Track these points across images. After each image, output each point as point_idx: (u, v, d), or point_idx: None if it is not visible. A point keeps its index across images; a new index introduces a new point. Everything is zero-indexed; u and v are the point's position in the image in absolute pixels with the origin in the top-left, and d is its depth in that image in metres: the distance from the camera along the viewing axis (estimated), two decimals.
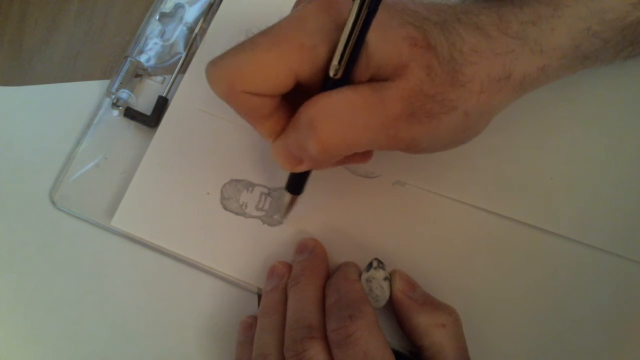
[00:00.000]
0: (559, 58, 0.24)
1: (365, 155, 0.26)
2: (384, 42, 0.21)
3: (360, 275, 0.27)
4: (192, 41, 0.34)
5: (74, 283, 0.32)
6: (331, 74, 0.21)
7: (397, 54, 0.21)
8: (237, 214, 0.31)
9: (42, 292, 0.32)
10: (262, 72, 0.21)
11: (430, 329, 0.25)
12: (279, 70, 0.21)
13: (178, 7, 0.35)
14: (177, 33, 0.35)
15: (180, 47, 0.34)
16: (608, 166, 0.30)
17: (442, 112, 0.22)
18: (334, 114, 0.21)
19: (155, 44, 0.35)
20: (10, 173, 0.33)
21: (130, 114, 0.33)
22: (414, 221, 0.30)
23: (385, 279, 0.27)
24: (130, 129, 0.33)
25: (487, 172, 0.30)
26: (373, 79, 0.22)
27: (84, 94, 0.34)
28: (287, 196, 0.28)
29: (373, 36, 0.20)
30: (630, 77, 0.30)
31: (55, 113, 0.34)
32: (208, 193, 0.31)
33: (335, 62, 0.20)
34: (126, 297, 0.31)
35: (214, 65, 0.22)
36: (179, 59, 0.34)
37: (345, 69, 0.21)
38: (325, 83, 0.21)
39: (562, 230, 0.29)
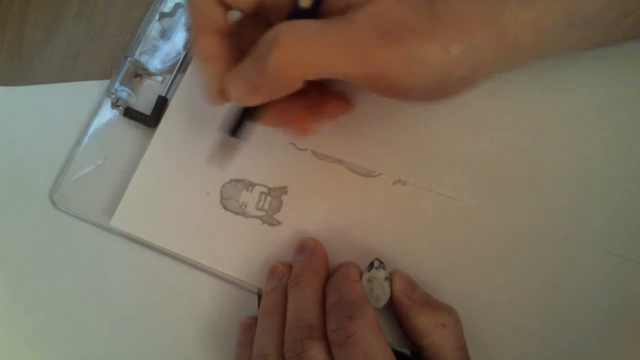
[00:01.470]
0: (551, 13, 0.22)
1: (309, 121, 0.26)
2: None
3: (361, 275, 0.27)
4: None
5: (74, 283, 0.32)
6: (301, 4, 0.20)
7: None
8: (237, 213, 0.31)
9: (42, 292, 0.32)
10: None
11: (430, 329, 0.25)
12: None
13: (178, 7, 0.35)
14: (177, 33, 0.35)
15: (180, 47, 0.34)
16: (609, 166, 0.30)
17: (416, 40, 0.21)
18: (300, 30, 0.20)
19: (155, 44, 0.35)
20: (10, 173, 0.33)
21: (130, 113, 0.33)
22: (415, 220, 0.30)
23: (386, 279, 0.27)
24: (130, 128, 0.33)
25: (487, 172, 0.30)
26: (344, 12, 0.21)
27: (84, 94, 0.34)
28: (232, 140, 0.26)
29: None
30: (633, 76, 0.30)
31: (55, 113, 0.34)
32: (208, 193, 0.31)
33: None
34: (126, 297, 0.31)
35: None
36: (179, 59, 0.34)
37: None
38: (292, 14, 0.21)
39: (562, 231, 0.29)
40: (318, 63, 0.21)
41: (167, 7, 0.35)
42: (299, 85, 0.22)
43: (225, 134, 0.26)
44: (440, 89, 0.23)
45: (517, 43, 0.22)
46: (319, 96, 0.27)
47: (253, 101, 0.23)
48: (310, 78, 0.22)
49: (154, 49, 0.35)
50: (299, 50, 0.20)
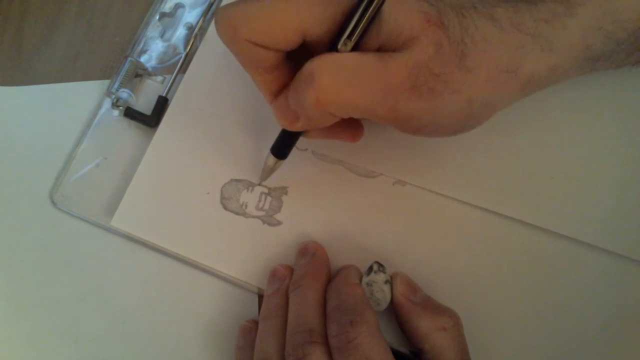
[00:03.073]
0: (570, 58, 0.24)
1: (354, 133, 0.27)
2: (399, 12, 0.21)
3: (361, 278, 0.27)
4: (192, 41, 0.34)
5: (74, 283, 0.32)
6: (340, 47, 0.21)
7: (410, 25, 0.21)
8: (237, 213, 0.31)
9: (42, 292, 0.32)
10: (269, 24, 0.21)
11: (431, 333, 0.25)
12: (287, 24, 0.21)
13: (178, 7, 0.35)
14: (177, 33, 0.35)
15: (180, 47, 0.34)
16: (609, 165, 0.30)
17: (445, 92, 0.22)
18: (336, 70, 0.21)
19: (155, 44, 0.35)
20: (10, 173, 0.33)
21: (130, 113, 0.33)
22: (415, 221, 0.30)
23: (386, 282, 0.27)
24: (130, 129, 0.33)
25: (487, 172, 0.30)
26: (381, 49, 0.22)
27: (84, 94, 0.34)
28: (271, 159, 0.28)
29: (389, 4, 0.20)
30: (633, 76, 0.30)
31: (55, 113, 0.34)
32: (208, 193, 0.31)
33: (344, 38, 0.21)
34: (126, 297, 0.31)
35: (223, 10, 0.22)
36: (179, 59, 0.34)
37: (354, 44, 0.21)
38: (332, 47, 0.21)
39: (562, 230, 0.29)
40: (349, 106, 0.22)
41: (167, 7, 0.35)
42: (334, 121, 0.23)
43: (274, 156, 0.28)
44: (461, 129, 0.24)
45: (535, 84, 0.24)
46: None
47: (295, 129, 0.24)
48: (344, 117, 0.23)
49: (154, 49, 0.35)
50: (332, 94, 0.21)
